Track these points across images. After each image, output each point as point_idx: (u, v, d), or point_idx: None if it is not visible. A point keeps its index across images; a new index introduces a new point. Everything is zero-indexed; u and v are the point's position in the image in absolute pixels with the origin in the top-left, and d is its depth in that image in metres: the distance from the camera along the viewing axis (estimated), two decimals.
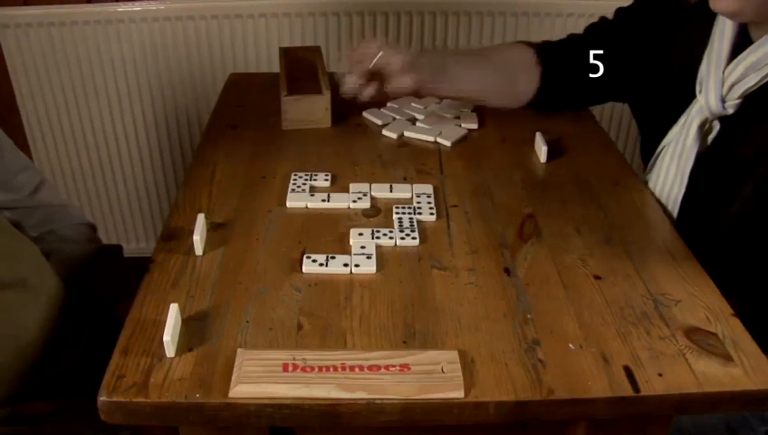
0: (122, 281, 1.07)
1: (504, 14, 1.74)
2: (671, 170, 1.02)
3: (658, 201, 1.10)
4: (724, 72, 0.94)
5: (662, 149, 1.05)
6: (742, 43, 0.94)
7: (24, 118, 1.80)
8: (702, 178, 1.00)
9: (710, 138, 0.99)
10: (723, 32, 0.95)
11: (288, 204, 0.97)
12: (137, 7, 1.69)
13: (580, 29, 1.23)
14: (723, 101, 0.94)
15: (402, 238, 0.89)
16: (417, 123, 1.21)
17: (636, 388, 0.68)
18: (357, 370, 0.68)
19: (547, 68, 1.16)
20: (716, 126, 0.99)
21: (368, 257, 0.85)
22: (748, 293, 0.94)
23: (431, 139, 1.16)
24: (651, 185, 1.06)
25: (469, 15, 1.74)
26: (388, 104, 1.27)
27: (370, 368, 0.69)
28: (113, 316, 0.88)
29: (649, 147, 1.11)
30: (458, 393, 0.67)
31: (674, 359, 0.71)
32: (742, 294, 0.93)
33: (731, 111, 0.95)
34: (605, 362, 0.71)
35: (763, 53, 0.90)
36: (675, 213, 1.01)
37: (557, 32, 1.75)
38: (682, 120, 1.02)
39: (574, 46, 1.17)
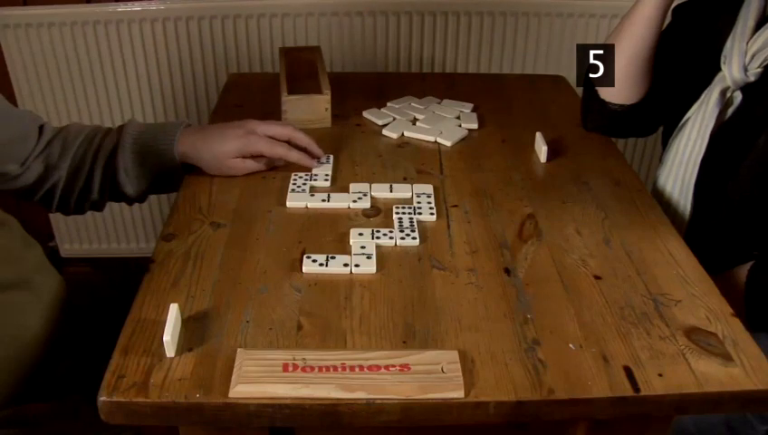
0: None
1: (504, 14, 1.74)
2: (693, 134, 1.08)
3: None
4: (747, 44, 1.01)
5: (685, 121, 1.10)
6: (766, 18, 1.03)
7: None
8: (722, 140, 1.06)
9: (731, 109, 1.05)
10: (748, 10, 1.03)
11: (288, 204, 0.97)
12: (137, 7, 1.69)
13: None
14: (745, 69, 1.01)
15: (402, 238, 0.89)
16: (418, 123, 1.21)
17: (636, 388, 0.68)
18: (357, 370, 0.68)
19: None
20: (738, 97, 1.04)
21: (368, 257, 0.85)
22: (764, 245, 1.04)
23: (431, 139, 1.16)
24: (672, 152, 1.12)
25: (469, 15, 1.74)
26: (389, 104, 1.27)
27: (370, 368, 0.69)
28: (113, 314, 0.88)
29: (672, 128, 1.15)
30: (458, 393, 0.67)
31: (674, 359, 0.71)
32: (759, 246, 1.04)
33: (753, 78, 1.02)
34: (605, 362, 0.71)
35: None
36: (694, 173, 1.07)
37: (557, 32, 1.75)
38: (705, 92, 1.08)
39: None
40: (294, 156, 1.03)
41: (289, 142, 1.04)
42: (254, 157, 1.02)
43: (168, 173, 1.03)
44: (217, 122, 1.08)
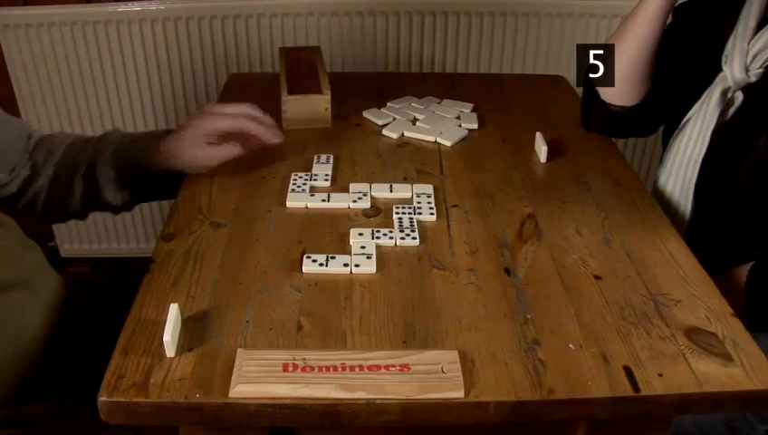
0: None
1: (504, 14, 1.74)
2: (693, 134, 1.08)
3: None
4: (749, 44, 1.01)
5: (686, 122, 1.10)
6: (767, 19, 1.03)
7: (24, 118, 1.80)
8: (723, 141, 1.06)
9: (732, 109, 1.05)
10: (750, 11, 1.03)
11: (288, 204, 0.97)
12: (137, 7, 1.69)
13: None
14: (746, 70, 1.01)
15: (402, 238, 0.89)
16: (418, 123, 1.21)
17: (636, 388, 0.68)
18: (357, 370, 0.68)
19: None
20: (739, 97, 1.04)
21: (368, 257, 0.85)
22: (765, 245, 1.05)
23: (431, 139, 1.16)
24: (673, 152, 1.12)
25: (469, 15, 1.74)
26: (389, 104, 1.27)
27: (370, 368, 0.69)
28: (113, 313, 0.89)
29: (672, 128, 1.15)
30: (458, 393, 0.67)
31: (674, 359, 0.71)
32: (759, 247, 1.04)
33: (754, 78, 1.02)
34: (605, 362, 0.71)
35: None
36: (695, 173, 1.07)
37: (557, 32, 1.75)
38: (706, 92, 1.07)
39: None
40: (257, 128, 1.00)
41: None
42: (224, 143, 1.00)
43: (153, 182, 1.03)
44: None
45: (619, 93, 1.12)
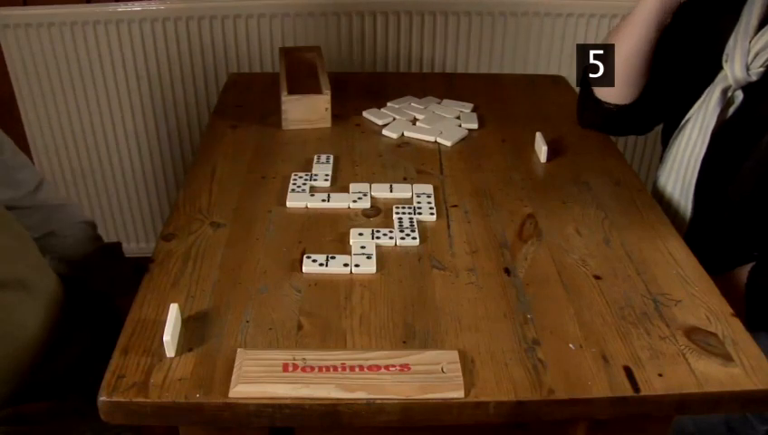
0: (122, 278, 1.07)
1: (504, 14, 1.74)
2: (694, 133, 1.08)
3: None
4: (750, 42, 1.01)
5: (686, 121, 1.10)
6: None
7: (24, 118, 1.80)
8: (723, 140, 1.05)
9: (732, 108, 1.05)
10: (751, 10, 1.02)
11: (288, 204, 0.97)
12: (137, 7, 1.69)
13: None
14: (747, 69, 1.01)
15: (402, 238, 0.89)
16: (418, 123, 1.21)
17: (636, 388, 0.68)
18: (357, 370, 0.68)
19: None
20: (739, 96, 1.04)
21: (368, 257, 0.85)
22: (765, 246, 1.04)
23: (431, 139, 1.16)
24: (673, 151, 1.11)
25: (469, 15, 1.74)
26: (389, 104, 1.27)
27: (370, 368, 0.69)
28: (113, 314, 0.89)
29: (672, 127, 1.15)
30: (458, 393, 0.67)
31: (674, 359, 0.71)
32: (759, 247, 1.04)
33: (754, 77, 1.01)
34: (605, 362, 0.71)
35: None
36: (695, 173, 1.07)
37: (557, 32, 1.75)
38: (706, 91, 1.07)
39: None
40: None
41: None
42: None
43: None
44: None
45: (613, 92, 1.13)
